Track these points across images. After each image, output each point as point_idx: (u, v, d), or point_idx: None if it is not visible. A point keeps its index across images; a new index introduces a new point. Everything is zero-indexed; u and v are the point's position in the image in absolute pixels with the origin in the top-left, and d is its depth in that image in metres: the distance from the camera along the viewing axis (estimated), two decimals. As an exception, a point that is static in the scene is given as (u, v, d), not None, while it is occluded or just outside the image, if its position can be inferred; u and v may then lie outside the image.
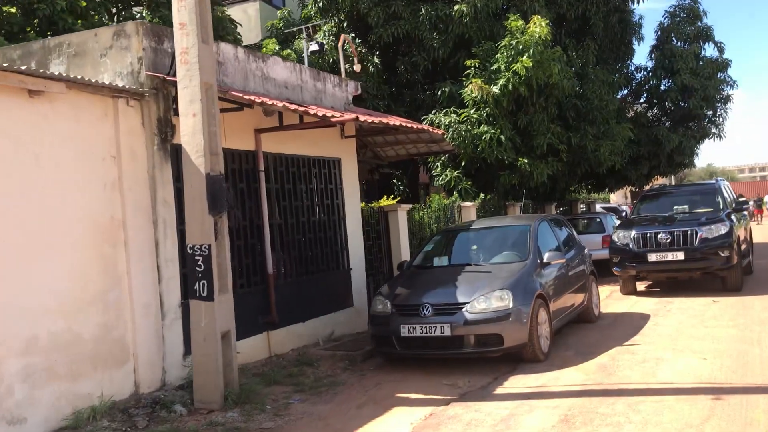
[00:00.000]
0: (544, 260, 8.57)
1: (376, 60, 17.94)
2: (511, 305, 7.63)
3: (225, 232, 6.83)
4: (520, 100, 17.06)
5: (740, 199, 14.53)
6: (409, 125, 10.53)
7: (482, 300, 7.67)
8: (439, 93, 17.33)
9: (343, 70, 11.49)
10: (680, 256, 12.25)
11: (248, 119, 8.56)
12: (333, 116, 8.56)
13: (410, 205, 12.77)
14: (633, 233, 12.77)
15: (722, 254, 12.14)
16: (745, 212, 15.15)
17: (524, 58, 15.72)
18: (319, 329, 9.65)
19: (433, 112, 16.95)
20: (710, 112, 21.83)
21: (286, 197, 9.49)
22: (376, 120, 9.55)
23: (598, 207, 26.71)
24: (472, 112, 16.35)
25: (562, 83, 16.84)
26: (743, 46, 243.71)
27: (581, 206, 27.25)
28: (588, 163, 18.70)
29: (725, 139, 20.84)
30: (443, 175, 16.85)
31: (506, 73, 15.94)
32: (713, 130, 21.96)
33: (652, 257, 12.46)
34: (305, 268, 9.74)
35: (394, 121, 10.38)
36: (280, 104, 7.92)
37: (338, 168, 10.74)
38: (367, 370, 8.27)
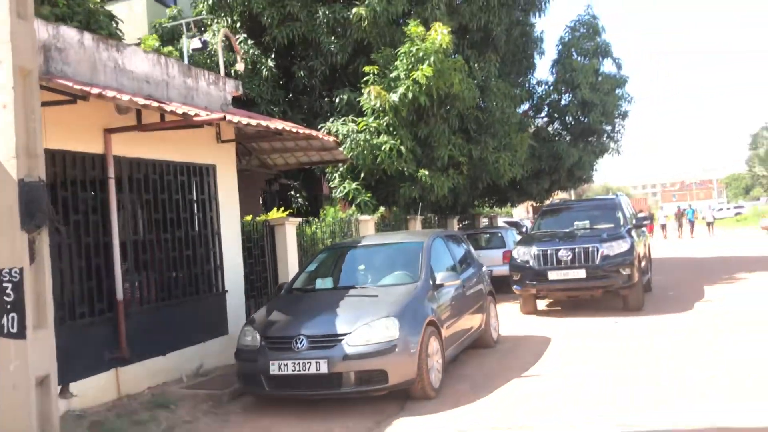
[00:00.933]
0: (438, 281, 7.68)
1: (271, 63, 16.79)
2: (397, 335, 6.67)
3: (45, 252, 5.51)
4: (421, 110, 16.35)
5: (639, 215, 14.25)
6: (294, 130, 9.48)
7: (365, 330, 6.68)
8: (337, 100, 16.37)
9: (222, 67, 10.39)
10: (581, 273, 11.73)
11: (95, 117, 7.27)
12: (197, 115, 7.39)
13: (299, 219, 11.67)
14: (534, 250, 12.17)
15: (623, 272, 11.71)
16: (644, 228, 14.93)
17: (424, 66, 14.99)
18: (184, 363, 8.38)
19: (331, 120, 15.99)
20: (609, 128, 21.92)
21: (145, 209, 8.21)
22: (253, 122, 8.45)
23: (501, 221, 26.47)
24: (370, 120, 15.47)
25: (463, 94, 16.26)
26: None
27: (483, 221, 26.98)
28: (489, 175, 18.20)
29: (621, 155, 20.82)
30: (341, 187, 15.85)
31: (406, 81, 15.16)
32: (612, 146, 22.06)
33: (553, 275, 11.89)
34: (168, 291, 8.46)
35: (276, 124, 9.30)
36: (126, 97, 6.67)
37: (213, 176, 9.52)
38: (233, 413, 7.09)
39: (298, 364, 6.58)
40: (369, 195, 15.84)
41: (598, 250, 11.75)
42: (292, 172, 18.98)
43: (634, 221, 13.29)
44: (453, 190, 18.99)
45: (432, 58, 14.98)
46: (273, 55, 17.32)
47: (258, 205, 22.97)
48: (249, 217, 11.02)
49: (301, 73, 17.14)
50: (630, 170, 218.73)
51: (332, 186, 16.11)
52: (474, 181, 19.09)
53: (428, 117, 16.54)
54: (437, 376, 7.21)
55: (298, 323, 7.02)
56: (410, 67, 15.26)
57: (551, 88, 21.45)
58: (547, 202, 19.64)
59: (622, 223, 13.12)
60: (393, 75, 15.46)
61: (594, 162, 21.93)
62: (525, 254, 12.31)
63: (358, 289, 7.66)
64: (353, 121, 15.56)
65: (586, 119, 20.68)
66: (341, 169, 16.17)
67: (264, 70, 16.71)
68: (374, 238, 9.04)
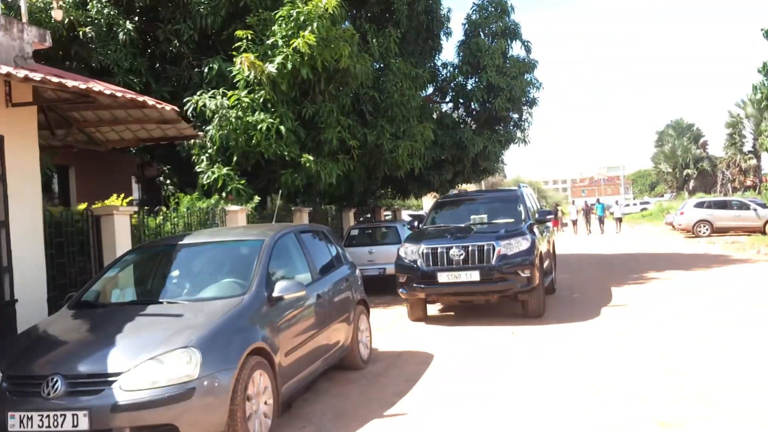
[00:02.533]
0: (276, 293, 5.73)
1: (129, 26, 14.34)
2: (197, 373, 4.68)
3: None
4: (306, 85, 14.37)
5: (543, 209, 12.75)
6: (109, 92, 7.29)
7: (151, 366, 4.66)
8: (206, 70, 14.14)
9: (25, 11, 8.11)
10: (475, 276, 10.07)
11: None
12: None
13: (134, 208, 9.45)
14: (422, 248, 10.43)
15: (522, 274, 10.12)
16: (549, 223, 13.48)
17: (306, 32, 13.01)
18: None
19: (198, 93, 13.77)
20: (516, 116, 20.55)
21: None
22: (54, 80, 6.26)
23: (405, 215, 24.83)
24: (243, 94, 13.35)
25: (354, 69, 14.37)
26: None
27: (386, 213, 25.25)
28: (386, 164, 16.41)
29: (528, 146, 19.59)
30: (209, 172, 13.66)
31: (285, 50, 13.13)
32: (519, 135, 20.70)
33: (443, 277, 10.18)
34: None
35: (91, 85, 7.09)
36: None
37: (-2, 150, 7.24)
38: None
39: (48, 417, 4.50)
40: (243, 182, 13.73)
41: (494, 249, 10.12)
42: (162, 155, 16.65)
43: (537, 216, 11.75)
44: (346, 179, 17.17)
45: (315, 24, 13.02)
46: (133, 17, 14.89)
47: (130, 195, 20.46)
48: (83, 206, 8.78)
49: (167, 38, 14.80)
50: (540, 164, 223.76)
51: (198, 171, 13.90)
52: (370, 170, 17.29)
53: (314, 94, 14.59)
54: (264, 424, 5.27)
55: (57, 356, 4.94)
56: (290, 33, 13.24)
57: (456, 70, 19.82)
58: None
59: (523, 217, 11.56)
60: (270, 42, 13.39)
61: (500, 152, 20.49)
62: (413, 253, 10.55)
63: (164, 305, 5.61)
64: (223, 95, 13.40)
65: (491, 105, 19.17)
66: (210, 151, 13.98)
67: (121, 34, 14.26)
68: (202, 234, 6.96)
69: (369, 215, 22.40)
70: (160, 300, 5.70)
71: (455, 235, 10.61)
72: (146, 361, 4.66)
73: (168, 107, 8.17)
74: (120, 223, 9.08)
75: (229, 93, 13.32)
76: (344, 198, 19.49)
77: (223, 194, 13.58)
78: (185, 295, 5.81)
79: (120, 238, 9.03)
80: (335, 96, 14.94)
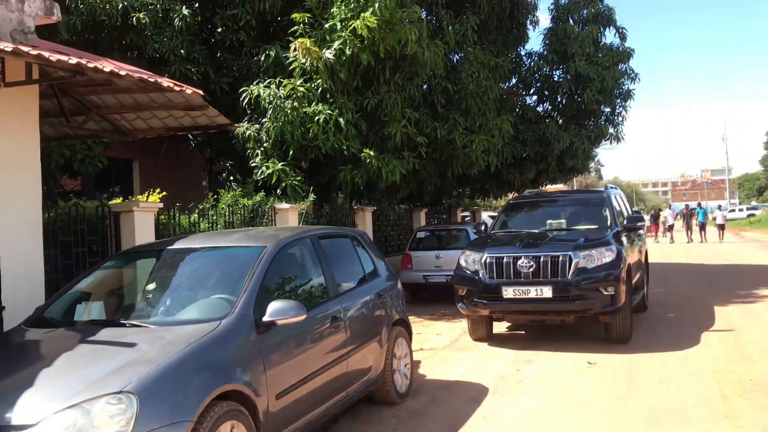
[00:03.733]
0: (266, 317, 4.48)
1: (185, 11, 13.54)
2: (131, 429, 3.49)
3: None
4: (369, 74, 13.15)
5: (634, 214, 10.97)
6: (110, 69, 6.28)
7: (68, 417, 3.48)
8: (263, 58, 13.15)
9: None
10: (547, 292, 8.52)
11: None
12: None
13: (158, 205, 8.46)
14: (484, 257, 8.97)
15: (605, 292, 8.50)
16: (641, 231, 11.70)
17: (367, 14, 11.77)
18: None
19: (255, 82, 12.79)
20: (608, 110, 18.60)
21: None
22: (53, 58, 5.31)
23: (485, 216, 23.24)
24: (298, 83, 12.25)
25: (422, 56, 13.01)
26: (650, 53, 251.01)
27: (464, 214, 23.74)
28: (458, 161, 14.98)
29: (624, 144, 17.49)
30: (263, 168, 12.66)
31: (343, 33, 11.93)
32: (611, 131, 18.72)
33: (509, 292, 8.69)
34: None
35: (98, 64, 6.10)
36: None
37: (-14, 137, 6.36)
38: None
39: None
40: (299, 178, 12.65)
41: (570, 261, 8.54)
42: (224, 149, 15.83)
43: (625, 222, 10.02)
44: (415, 177, 15.86)
45: (377, 5, 11.74)
46: (191, 2, 14.10)
47: (202, 191, 19.89)
48: (74, 200, 7.88)
49: (225, 24, 13.92)
50: (641, 166, 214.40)
51: (253, 165, 12.93)
52: (441, 167, 15.91)
53: (378, 84, 13.34)
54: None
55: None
56: (350, 15, 12.03)
57: (540, 60, 18.08)
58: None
59: (609, 223, 9.89)
60: (328, 25, 12.23)
61: (589, 150, 18.59)
62: (474, 262, 9.11)
63: (124, 329, 4.45)
64: (278, 84, 12.34)
65: (580, 97, 17.35)
66: (265, 144, 12.98)
67: (177, 20, 13.47)
68: (197, 238, 5.74)
69: (443, 215, 20.95)
70: (123, 321, 4.56)
71: (525, 243, 9.09)
72: (64, 410, 3.50)
73: (189, 90, 7.10)
74: (142, 221, 8.11)
75: (284, 82, 12.25)
76: (416, 197, 18.16)
77: (278, 191, 12.57)
78: (157, 316, 4.65)
79: (141, 237, 8.05)
80: (402, 86, 13.63)
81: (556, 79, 18.01)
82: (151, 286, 5.00)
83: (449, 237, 14.78)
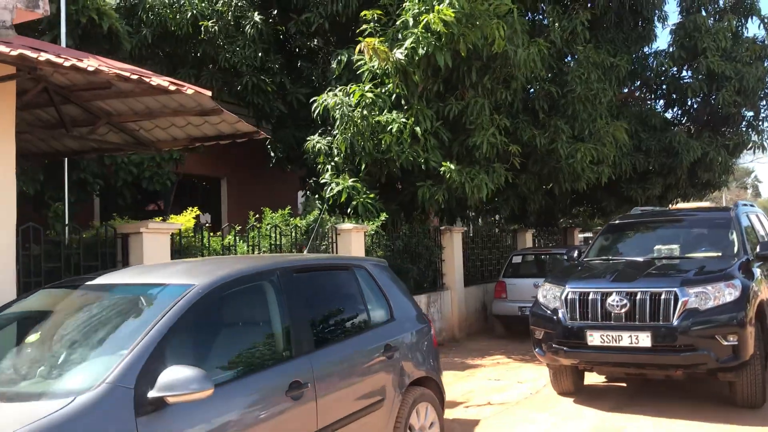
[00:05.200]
0: (153, 392, 3.05)
1: (257, 18, 12.65)
2: None
3: None
4: (453, 77, 11.61)
5: None
6: (113, 72, 5.22)
7: None
8: (335, 64, 11.98)
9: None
10: (644, 340, 6.54)
11: None
12: None
13: (176, 226, 7.36)
14: (566, 291, 7.13)
15: (724, 341, 6.40)
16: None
17: (443, 6, 10.27)
18: None
19: (327, 91, 11.63)
20: (750, 114, 15.84)
21: None
22: (12, 52, 4.37)
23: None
24: (366, 88, 10.92)
25: (514, 56, 11.31)
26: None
27: (585, 236, 21.42)
28: (561, 175, 13.06)
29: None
30: (332, 184, 11.42)
31: (415, 30, 10.49)
32: (753, 138, 15.91)
33: (595, 338, 6.78)
34: None
35: (90, 62, 5.08)
36: None
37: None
38: None
39: None
40: (372, 196, 11.29)
41: (676, 299, 6.52)
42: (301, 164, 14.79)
43: (758, 249, 7.76)
44: (515, 193, 14.07)
45: (454, -4, 10.22)
46: (264, 8, 13.20)
47: (296, 208, 19.04)
48: (97, 224, 6.96)
49: (298, 29, 12.90)
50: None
51: (323, 182, 11.71)
52: (544, 182, 14.02)
53: (464, 87, 11.75)
54: None
55: None
56: (423, 9, 10.57)
57: (666, 58, 15.67)
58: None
59: (736, 250, 7.67)
60: (400, 21, 10.84)
61: (728, 161, 15.86)
62: (553, 298, 7.28)
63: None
64: (346, 92, 11.08)
65: (713, 100, 14.81)
66: (336, 159, 11.74)
67: (248, 27, 12.62)
68: (128, 272, 4.30)
69: (557, 238, 18.80)
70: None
71: (619, 275, 7.14)
72: None
73: (190, 89, 5.92)
74: (152, 244, 7.04)
75: (352, 88, 10.97)
76: (519, 217, 16.27)
77: (348, 211, 11.28)
78: (15, 384, 3.35)
79: (153, 261, 6.97)
80: (491, 90, 11.96)
81: (685, 80, 15.53)
82: (33, 338, 3.75)
83: (551, 262, 12.82)
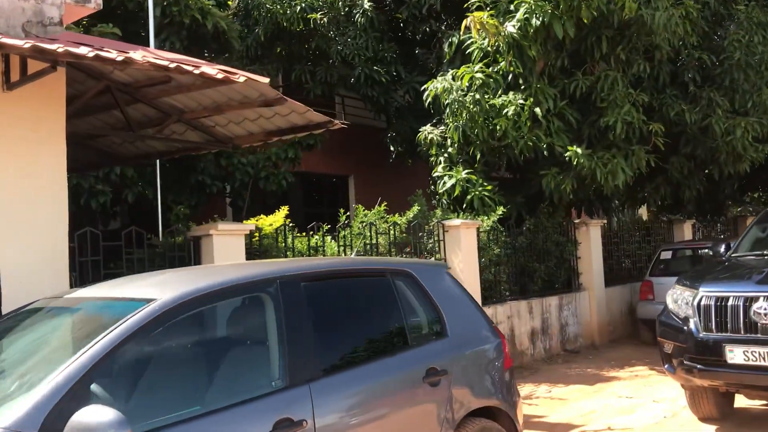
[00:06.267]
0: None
1: (367, 5, 12.02)
2: None
3: None
4: (581, 50, 10.29)
5: None
6: (146, 62, 4.79)
7: None
8: (446, 46, 11.05)
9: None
10: (804, 360, 5.06)
11: None
12: None
13: (249, 227, 6.84)
14: (699, 295, 5.74)
15: None
16: None
17: (559, -33, 9.04)
18: None
19: (439, 75, 10.75)
20: None
21: None
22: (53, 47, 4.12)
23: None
24: (476, 68, 9.90)
25: (652, 19, 9.79)
26: None
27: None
28: (720, 155, 11.24)
29: None
30: (445, 178, 10.53)
31: (527, -1, 9.33)
32: None
33: (736, 355, 5.36)
34: None
35: (131, 54, 4.72)
36: None
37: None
38: None
39: None
40: (490, 188, 10.27)
41: None
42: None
43: None
44: (665, 179, 12.37)
45: (571, -46, 8.95)
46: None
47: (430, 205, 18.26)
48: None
49: (413, 14, 12.09)
50: None
51: (435, 175, 10.85)
52: (701, 165, 12.20)
53: (593, 61, 10.38)
54: None
55: None
56: (536, -25, 9.38)
57: None
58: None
59: None
60: (510, -9, 9.72)
61: None
62: (685, 304, 5.91)
63: None
64: (454, 75, 10.11)
65: None
66: (450, 149, 10.82)
67: (359, 16, 12.02)
68: (106, 286, 3.53)
69: (727, 228, 16.46)
70: None
71: (770, 275, 5.65)
72: None
73: (243, 77, 5.34)
74: (223, 246, 6.58)
75: (462, 69, 10.00)
76: (673, 206, 14.35)
77: (464, 206, 10.34)
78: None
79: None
80: (627, 62, 10.48)
81: None
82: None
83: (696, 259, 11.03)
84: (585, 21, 9.35)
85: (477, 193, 10.16)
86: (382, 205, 8.58)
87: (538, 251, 10.73)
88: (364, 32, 12.06)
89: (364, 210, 8.32)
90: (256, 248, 7.03)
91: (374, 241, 8.23)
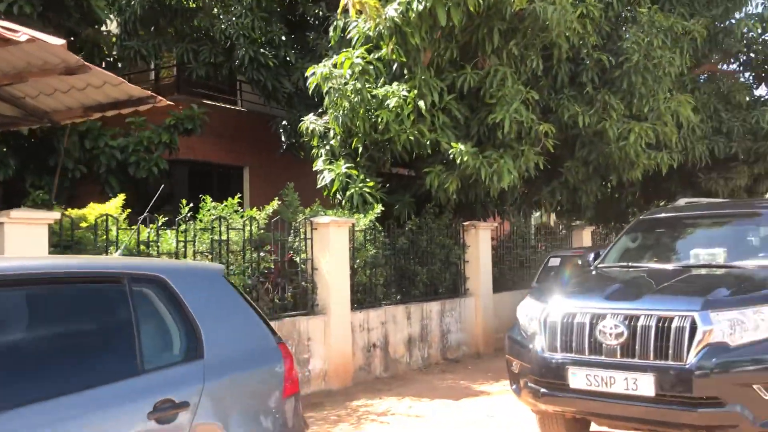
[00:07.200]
0: None
1: (255, -16, 11.18)
2: None
3: None
4: (474, 41, 9.72)
5: None
6: None
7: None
8: (331, 29, 10.31)
9: None
10: (645, 385, 4.50)
11: None
12: None
13: (56, 214, 5.94)
14: (547, 311, 5.15)
15: (766, 395, 4.29)
16: None
17: (444, -50, 8.41)
18: None
19: (325, 60, 9.99)
20: None
21: None
22: None
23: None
24: (356, 54, 9.19)
25: (544, 13, 9.29)
26: None
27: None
28: (611, 160, 10.88)
29: None
30: (325, 172, 9.80)
31: (411, -19, 8.67)
32: None
33: (578, 378, 4.79)
34: None
35: None
36: None
37: None
38: None
39: None
40: (371, 184, 9.58)
41: (694, 327, 4.44)
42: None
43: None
44: (563, 184, 11.96)
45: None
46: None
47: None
48: None
49: (300, -4, 11.36)
50: None
51: (315, 169, 10.11)
52: (597, 170, 11.84)
53: (484, 54, 9.83)
54: None
55: None
56: (421, -44, 8.73)
57: (754, 20, 12.96)
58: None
59: (806, 258, 5.42)
60: (396, -27, 9.04)
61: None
62: (533, 319, 5.32)
63: None
64: (335, 63, 9.37)
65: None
66: (332, 142, 10.10)
67: (243, -5, 11.18)
68: None
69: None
70: None
71: (622, 289, 5.12)
72: None
73: (25, 35, 4.45)
74: (17, 238, 5.63)
75: (341, 55, 9.27)
76: (571, 212, 14.02)
77: (343, 203, 9.64)
78: None
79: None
80: (520, 58, 9.98)
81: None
82: None
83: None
84: (472, 9, 8.74)
85: (357, 189, 9.47)
86: (237, 197, 7.74)
87: (422, 253, 10.12)
88: (250, 11, 11.20)
89: (212, 202, 7.45)
90: (67, 241, 6.11)
91: (225, 238, 7.40)
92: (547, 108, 10.91)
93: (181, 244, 6.96)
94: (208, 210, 7.30)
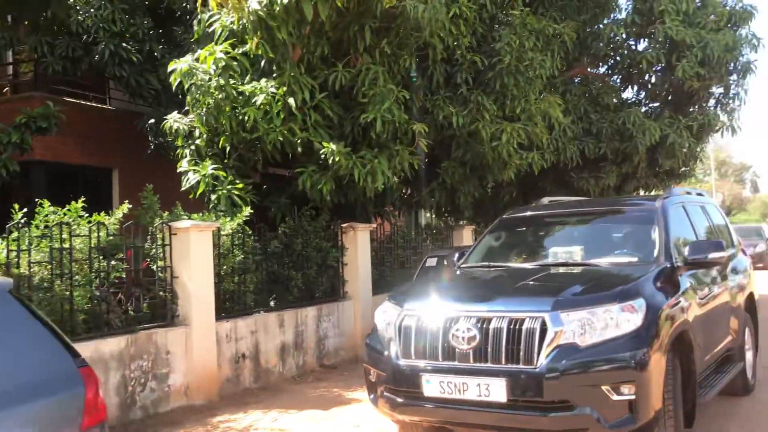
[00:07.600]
0: None
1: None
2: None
3: None
4: (345, 39, 9.46)
5: (707, 241, 6.22)
6: None
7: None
8: (196, 23, 9.80)
9: None
10: (497, 391, 4.37)
11: None
12: None
13: None
14: (402, 314, 4.94)
15: (614, 395, 4.23)
16: (743, 263, 7.17)
17: (308, -58, 8.09)
18: None
19: (187, 56, 9.42)
20: (719, 90, 13.63)
21: None
22: None
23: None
24: (219, 49, 8.73)
25: (415, 12, 9.15)
26: None
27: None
28: (485, 161, 10.92)
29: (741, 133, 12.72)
30: (189, 173, 9.26)
31: (274, -28, 8.30)
32: (722, 119, 13.69)
33: (432, 386, 4.59)
34: None
35: None
36: None
37: None
38: None
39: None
40: (240, 186, 9.12)
41: (544, 328, 4.34)
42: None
43: (688, 252, 5.54)
44: (441, 184, 11.90)
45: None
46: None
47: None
48: None
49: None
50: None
51: (180, 171, 9.54)
52: (473, 170, 11.87)
53: (356, 52, 9.60)
54: None
55: None
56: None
57: (619, 25, 13.46)
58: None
59: (656, 254, 5.45)
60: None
61: (693, 145, 13.61)
62: (389, 325, 5.08)
63: None
64: (198, 58, 8.87)
65: (672, 73, 12.61)
66: (197, 141, 9.57)
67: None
68: None
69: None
70: None
71: (476, 290, 4.99)
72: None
73: None
74: None
75: (205, 49, 8.78)
76: (450, 211, 14.07)
77: (210, 206, 9.13)
78: None
79: None
80: (393, 57, 9.82)
81: (641, 49, 13.35)
82: None
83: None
84: (341, 5, 8.48)
85: (225, 191, 8.99)
86: (80, 201, 7.09)
87: (297, 257, 9.75)
88: (110, 3, 10.48)
89: (50, 205, 6.79)
90: None
91: (67, 245, 6.75)
92: (424, 108, 10.83)
93: (14, 254, 6.27)
94: (46, 215, 6.63)
